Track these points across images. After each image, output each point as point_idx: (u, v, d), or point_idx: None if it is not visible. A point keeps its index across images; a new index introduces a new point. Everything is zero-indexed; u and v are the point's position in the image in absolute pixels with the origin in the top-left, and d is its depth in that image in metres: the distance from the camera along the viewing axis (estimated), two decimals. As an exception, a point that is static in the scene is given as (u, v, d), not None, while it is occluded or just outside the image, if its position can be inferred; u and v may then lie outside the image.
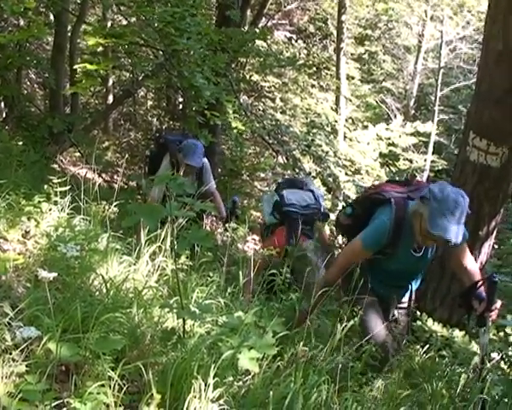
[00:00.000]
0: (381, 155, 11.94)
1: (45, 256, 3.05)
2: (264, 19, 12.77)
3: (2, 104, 9.62)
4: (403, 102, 17.07)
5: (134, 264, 3.10)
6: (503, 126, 4.21)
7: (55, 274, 1.99)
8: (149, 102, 13.99)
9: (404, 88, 17.27)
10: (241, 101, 10.16)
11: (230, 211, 5.18)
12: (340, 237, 6.01)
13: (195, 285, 3.10)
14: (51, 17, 9.29)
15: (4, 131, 7.13)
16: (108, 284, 2.74)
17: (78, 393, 1.87)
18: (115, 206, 3.84)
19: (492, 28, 4.32)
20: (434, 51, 16.18)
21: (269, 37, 11.10)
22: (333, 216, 6.12)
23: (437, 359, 3.51)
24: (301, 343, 2.55)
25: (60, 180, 3.87)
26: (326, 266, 3.82)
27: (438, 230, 3.01)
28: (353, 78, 14.45)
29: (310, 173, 9.57)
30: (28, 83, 12.40)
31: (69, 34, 8.87)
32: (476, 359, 3.23)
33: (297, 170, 9.21)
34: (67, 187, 3.80)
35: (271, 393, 2.08)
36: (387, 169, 12.76)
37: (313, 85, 13.88)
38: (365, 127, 12.89)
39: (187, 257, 3.38)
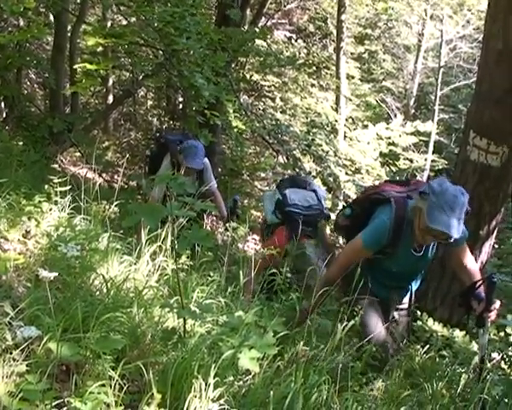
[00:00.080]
0: (381, 154, 11.93)
1: (46, 256, 3.05)
2: (263, 18, 12.77)
3: (3, 104, 9.62)
4: (403, 101, 17.08)
5: (134, 264, 3.10)
6: (504, 126, 4.21)
7: (55, 274, 1.99)
8: (149, 102, 14.00)
9: (404, 87, 17.27)
10: (241, 100, 10.16)
11: (231, 210, 5.17)
12: (340, 238, 6.02)
13: (196, 285, 3.10)
14: (51, 17, 9.29)
15: (4, 131, 7.14)
16: (109, 284, 2.74)
17: (79, 392, 1.87)
18: (116, 206, 3.84)
19: (492, 27, 4.32)
20: (434, 50, 16.19)
21: (268, 36, 11.10)
22: (334, 216, 6.11)
23: (437, 359, 3.51)
24: (302, 343, 2.55)
25: (60, 180, 3.87)
26: (327, 265, 3.82)
27: (436, 223, 3.01)
28: (353, 77, 14.45)
29: (310, 173, 9.57)
30: (28, 83, 12.41)
31: (69, 34, 8.87)
32: (476, 359, 3.23)
33: (297, 169, 9.21)
34: (68, 187, 3.80)
35: (272, 393, 2.08)
36: (388, 169, 12.76)
37: (313, 85, 13.88)
38: (365, 127, 12.88)
39: (187, 257, 3.38)
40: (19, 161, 5.35)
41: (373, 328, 3.27)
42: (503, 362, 3.59)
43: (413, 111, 16.75)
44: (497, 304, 3.16)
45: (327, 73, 14.27)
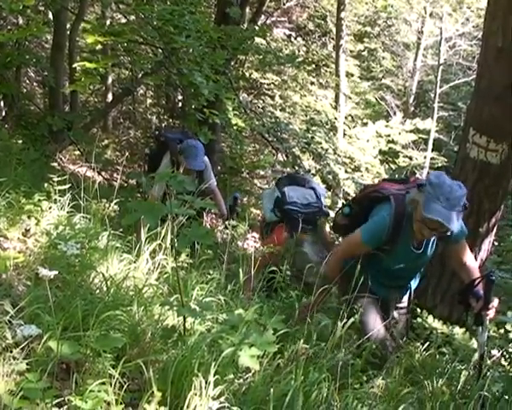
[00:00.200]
0: (380, 152, 11.93)
1: (45, 254, 3.05)
2: (263, 16, 12.76)
3: (2, 103, 9.60)
4: (402, 99, 17.07)
5: (134, 262, 3.11)
6: (503, 123, 4.21)
7: (55, 272, 1.99)
8: (149, 100, 13.98)
9: (404, 85, 17.26)
10: (241, 98, 10.16)
11: (231, 208, 5.17)
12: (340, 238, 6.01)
13: (196, 283, 3.10)
14: (50, 15, 9.27)
15: (4, 130, 7.13)
16: (109, 282, 2.75)
17: (79, 391, 1.88)
18: (115, 204, 3.84)
19: (492, 25, 4.32)
20: (434, 48, 16.17)
21: (268, 34, 11.09)
22: (333, 214, 6.11)
23: (437, 356, 3.52)
24: (302, 341, 2.55)
25: (60, 178, 3.87)
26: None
27: (431, 213, 3.00)
28: (353, 75, 14.46)
29: (309, 171, 9.56)
30: (27, 81, 12.39)
31: (68, 32, 8.85)
32: (476, 356, 3.23)
33: (297, 167, 9.20)
34: (67, 185, 3.80)
35: (272, 390, 2.08)
36: (387, 166, 12.76)
37: (312, 83, 13.88)
38: (365, 124, 12.87)
39: (187, 255, 3.38)
40: (18, 160, 5.34)
41: (372, 326, 3.27)
42: (502, 359, 3.60)
43: (412, 109, 16.74)
44: (496, 302, 3.15)
45: (326, 71, 14.28)
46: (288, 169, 9.58)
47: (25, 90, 10.99)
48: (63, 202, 3.68)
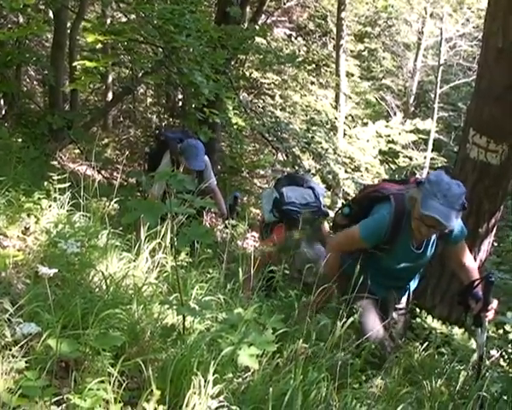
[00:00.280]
0: (380, 152, 11.93)
1: (45, 253, 3.06)
2: (263, 16, 12.77)
3: (2, 101, 9.60)
4: (402, 99, 17.07)
5: (134, 260, 3.11)
6: (503, 124, 4.21)
7: (54, 270, 1.99)
8: (149, 100, 13.98)
9: (404, 85, 17.27)
10: (241, 98, 10.16)
11: (231, 207, 5.17)
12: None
13: (195, 282, 3.09)
14: (50, 14, 9.27)
15: (4, 128, 7.12)
16: (108, 281, 2.75)
17: (78, 389, 1.87)
18: (115, 203, 3.84)
19: (492, 25, 4.32)
20: (434, 48, 16.18)
21: (268, 34, 11.10)
22: (332, 213, 6.11)
23: (436, 356, 3.52)
24: (301, 340, 2.55)
25: (59, 177, 3.87)
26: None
27: (428, 209, 3.00)
28: (353, 75, 14.46)
29: (309, 170, 9.56)
30: (28, 80, 12.39)
31: (68, 31, 8.85)
32: (475, 356, 3.23)
33: (296, 167, 9.20)
34: (67, 184, 3.80)
35: (271, 389, 2.08)
36: (387, 166, 12.76)
37: (313, 82, 13.88)
38: (365, 124, 12.88)
39: (187, 254, 3.38)
40: (18, 158, 5.34)
41: (371, 326, 3.27)
42: (501, 359, 3.60)
43: (412, 109, 16.74)
44: (495, 303, 3.15)
45: (326, 71, 14.28)
46: (288, 169, 9.59)
47: (25, 89, 10.99)
48: (63, 200, 3.69)
